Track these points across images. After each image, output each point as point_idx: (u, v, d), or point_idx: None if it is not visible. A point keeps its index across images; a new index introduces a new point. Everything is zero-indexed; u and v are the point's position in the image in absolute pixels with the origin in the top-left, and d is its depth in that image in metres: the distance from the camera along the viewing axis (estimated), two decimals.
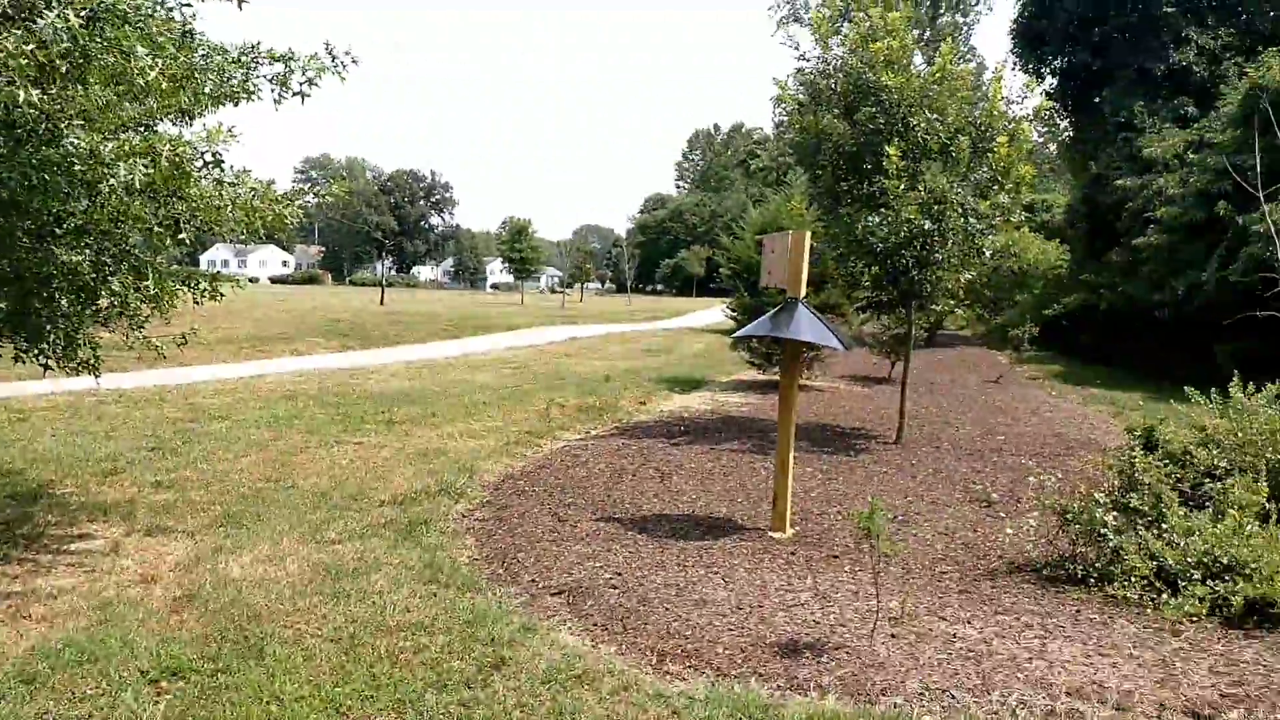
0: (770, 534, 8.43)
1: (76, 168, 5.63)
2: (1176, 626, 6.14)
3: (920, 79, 12.51)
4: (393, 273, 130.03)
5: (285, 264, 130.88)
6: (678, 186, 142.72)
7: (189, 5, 6.87)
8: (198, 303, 7.52)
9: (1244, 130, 19.74)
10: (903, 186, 11.91)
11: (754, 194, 72.94)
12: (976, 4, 61.27)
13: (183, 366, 18.79)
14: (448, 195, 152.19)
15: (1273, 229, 9.27)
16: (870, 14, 12.80)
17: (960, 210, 11.90)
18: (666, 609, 6.32)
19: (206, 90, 6.82)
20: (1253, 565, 6.35)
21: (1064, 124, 34.69)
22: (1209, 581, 6.43)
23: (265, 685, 4.98)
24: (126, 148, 5.59)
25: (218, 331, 25.28)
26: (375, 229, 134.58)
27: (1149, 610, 6.42)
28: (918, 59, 14.04)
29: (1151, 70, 28.22)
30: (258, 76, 7.10)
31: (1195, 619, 6.23)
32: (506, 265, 78.71)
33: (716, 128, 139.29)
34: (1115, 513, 7.16)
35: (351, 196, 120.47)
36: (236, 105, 7.20)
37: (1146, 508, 7.16)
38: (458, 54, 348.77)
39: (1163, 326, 23.26)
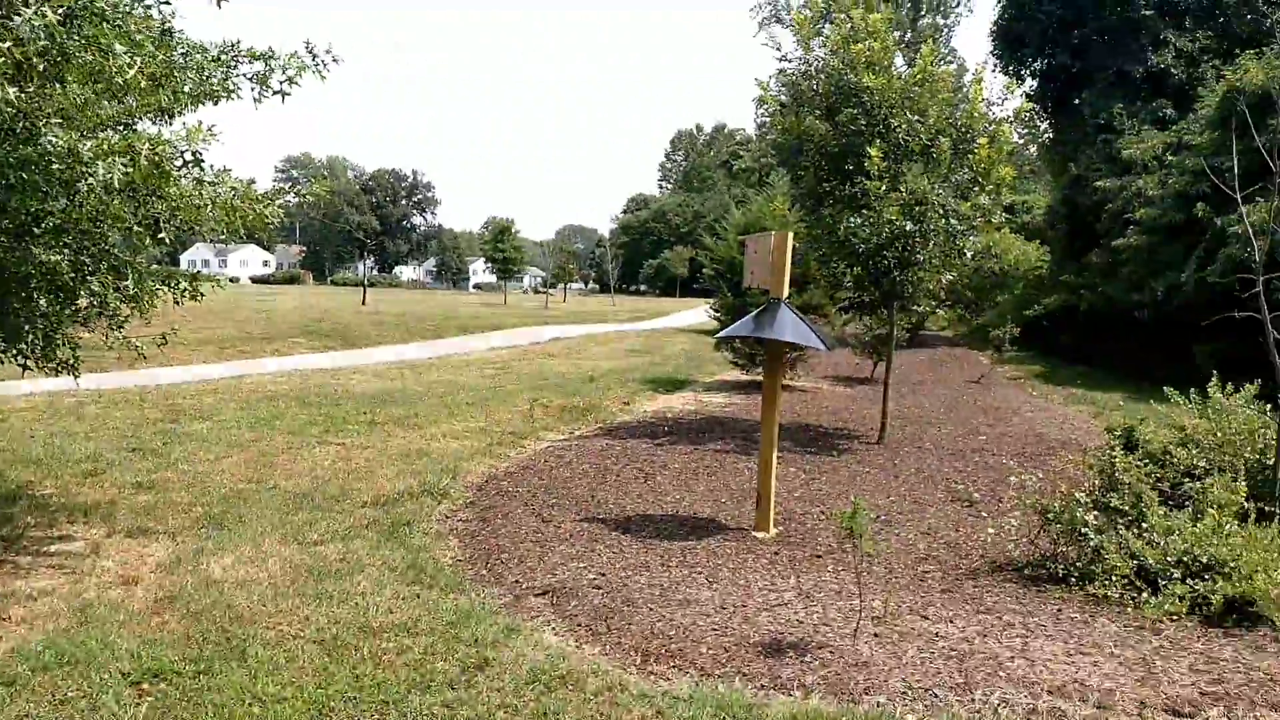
0: (754, 534, 8.45)
1: (55, 166, 5.58)
2: (1157, 625, 6.19)
3: (901, 80, 12.56)
4: (375, 273, 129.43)
5: (266, 264, 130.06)
6: (661, 187, 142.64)
7: (168, 3, 6.83)
8: (178, 303, 7.46)
9: (1222, 132, 19.93)
10: (884, 188, 11.96)
11: (737, 195, 72.97)
12: (957, 6, 61.57)
13: (163, 367, 18.66)
14: (430, 195, 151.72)
15: (1250, 230, 9.33)
16: (851, 15, 12.84)
17: (941, 211, 11.95)
18: (650, 609, 6.32)
19: (186, 89, 6.77)
20: (1232, 564, 6.40)
21: (1044, 125, 34.91)
22: (1189, 580, 6.48)
23: (247, 687, 4.95)
24: (105, 146, 5.54)
25: (198, 332, 25.13)
26: (357, 228, 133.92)
27: (1129, 609, 6.46)
28: (899, 60, 14.07)
29: (1130, 72, 28.44)
30: (238, 75, 7.06)
31: (1175, 617, 6.28)
32: (489, 265, 78.54)
33: (699, 128, 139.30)
34: (1096, 512, 7.20)
35: (333, 196, 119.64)
36: (216, 104, 7.16)
37: (1127, 507, 7.20)
38: (440, 53, 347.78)
39: (1142, 327, 23.43)
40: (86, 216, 6.36)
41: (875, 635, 5.89)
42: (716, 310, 22.74)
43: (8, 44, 5.05)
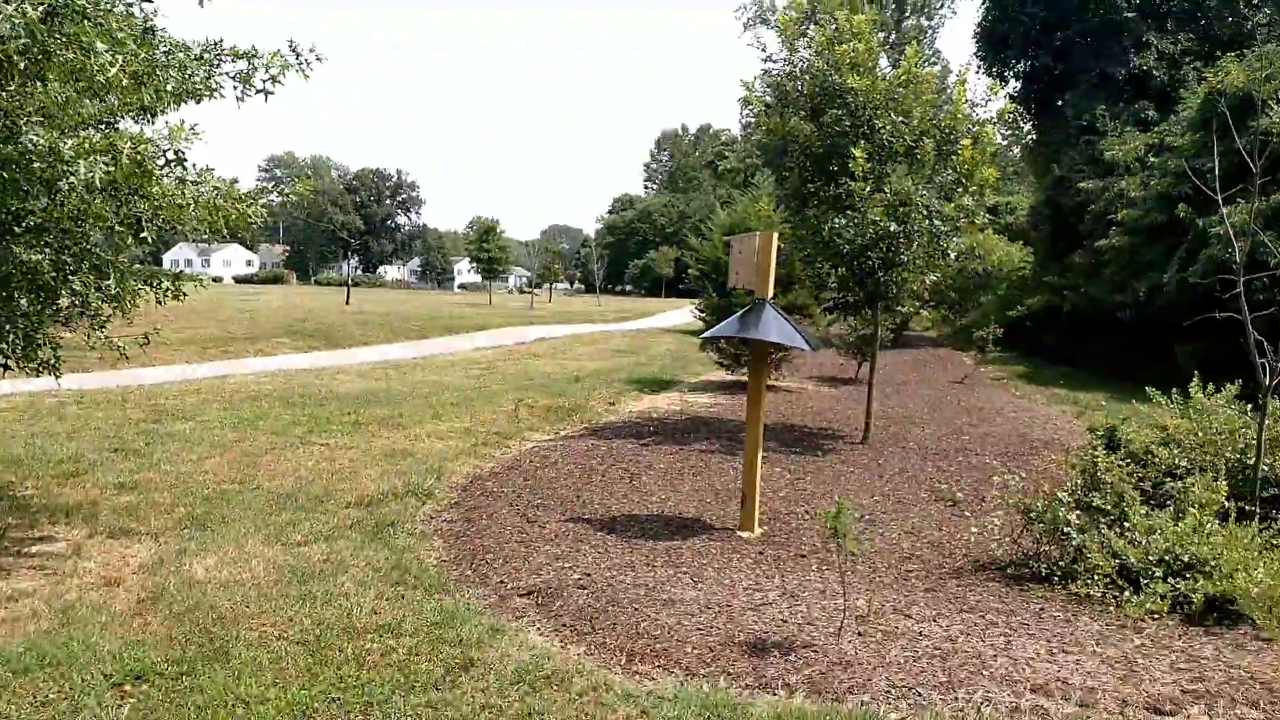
0: (739, 534, 8.46)
1: (35, 165, 5.55)
2: (1138, 624, 6.22)
3: (886, 82, 12.61)
4: (359, 272, 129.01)
5: (250, 263, 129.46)
6: (646, 187, 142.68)
7: (149, 1, 6.79)
8: (160, 302, 7.43)
9: (1203, 134, 20.07)
10: (869, 188, 12.00)
11: (722, 195, 73.04)
12: (941, 8, 61.79)
13: (145, 367, 18.54)
14: (414, 194, 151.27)
15: (1231, 231, 9.41)
16: (836, 17, 12.88)
17: (925, 212, 12.00)
18: (635, 609, 6.32)
19: (168, 88, 6.73)
20: (1213, 563, 6.45)
21: (1027, 127, 35.09)
22: (1170, 579, 6.52)
23: (231, 688, 4.93)
24: (87, 145, 5.51)
25: (181, 332, 24.99)
26: (341, 228, 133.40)
27: (1111, 608, 6.50)
28: (883, 62, 14.12)
29: (1113, 74, 28.62)
30: (220, 74, 7.03)
31: (1157, 616, 6.32)
32: (474, 265, 78.36)
33: (684, 129, 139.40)
34: (1078, 512, 7.25)
35: (316, 195, 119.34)
36: (199, 103, 7.13)
37: (1109, 507, 7.25)
38: (426, 53, 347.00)
39: (1125, 327, 23.57)
40: (68, 215, 6.33)
41: (859, 634, 5.91)
42: (702, 310, 22.77)
43: None
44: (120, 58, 5.70)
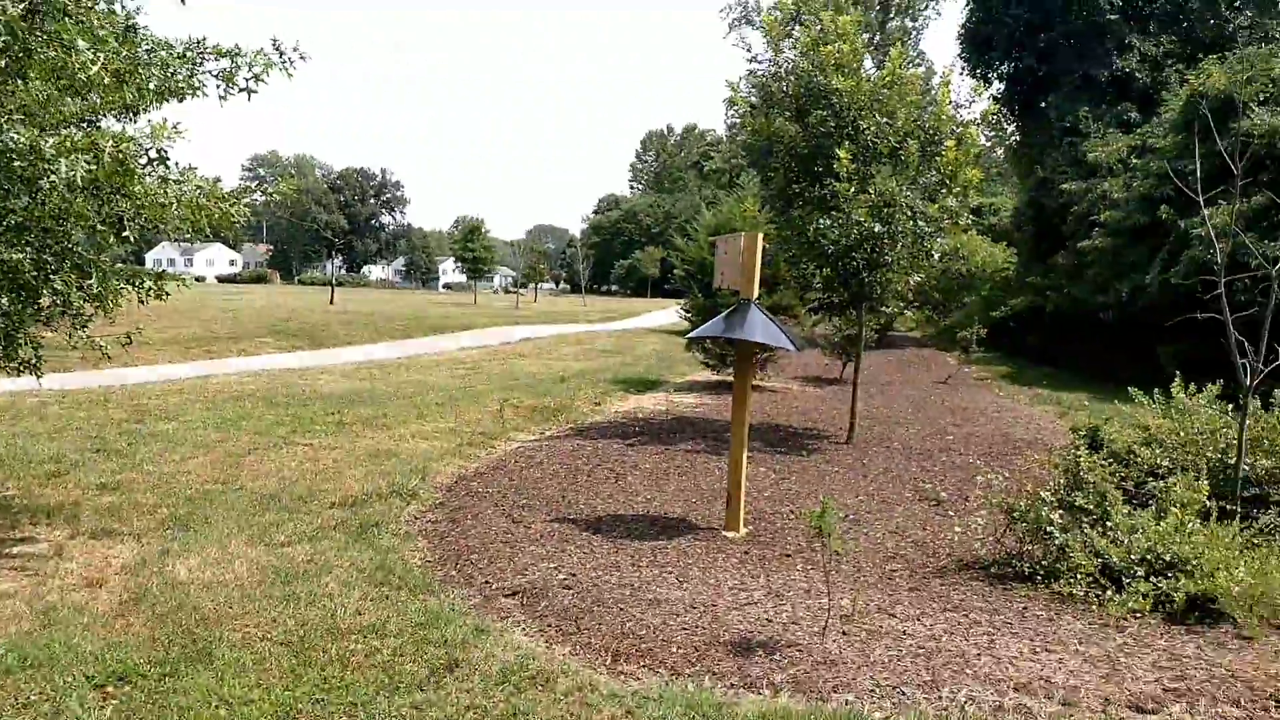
0: (724, 533, 8.47)
1: (16, 164, 5.51)
2: (1121, 622, 6.26)
3: (870, 83, 12.65)
4: (343, 272, 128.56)
5: (233, 263, 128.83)
6: (632, 187, 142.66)
7: None
8: (143, 302, 7.39)
9: (1185, 135, 20.22)
10: (853, 189, 12.03)
11: (707, 195, 73.15)
12: (925, 9, 61.96)
13: (128, 367, 18.42)
14: (399, 194, 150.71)
15: (1212, 233, 9.47)
16: (821, 18, 12.91)
17: (909, 213, 12.05)
18: (621, 609, 6.32)
19: (150, 86, 6.70)
20: (1194, 562, 6.49)
21: (1011, 128, 35.30)
22: (1152, 578, 6.56)
23: (214, 689, 4.90)
24: (68, 144, 5.48)
25: (164, 331, 24.85)
26: (325, 227, 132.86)
27: (1094, 606, 6.53)
28: (868, 63, 14.17)
29: (1096, 76, 28.79)
30: (203, 72, 6.99)
31: (1139, 615, 6.36)
32: (459, 265, 78.26)
33: (670, 129, 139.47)
34: (1061, 511, 7.28)
35: (300, 194, 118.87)
36: (181, 101, 7.09)
37: (1091, 506, 7.28)
38: (411, 52, 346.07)
39: (1107, 328, 23.71)
40: (49, 214, 6.29)
41: (844, 634, 5.93)
42: (687, 311, 22.78)
43: None
44: (102, 56, 5.67)
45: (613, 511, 9.23)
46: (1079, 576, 6.76)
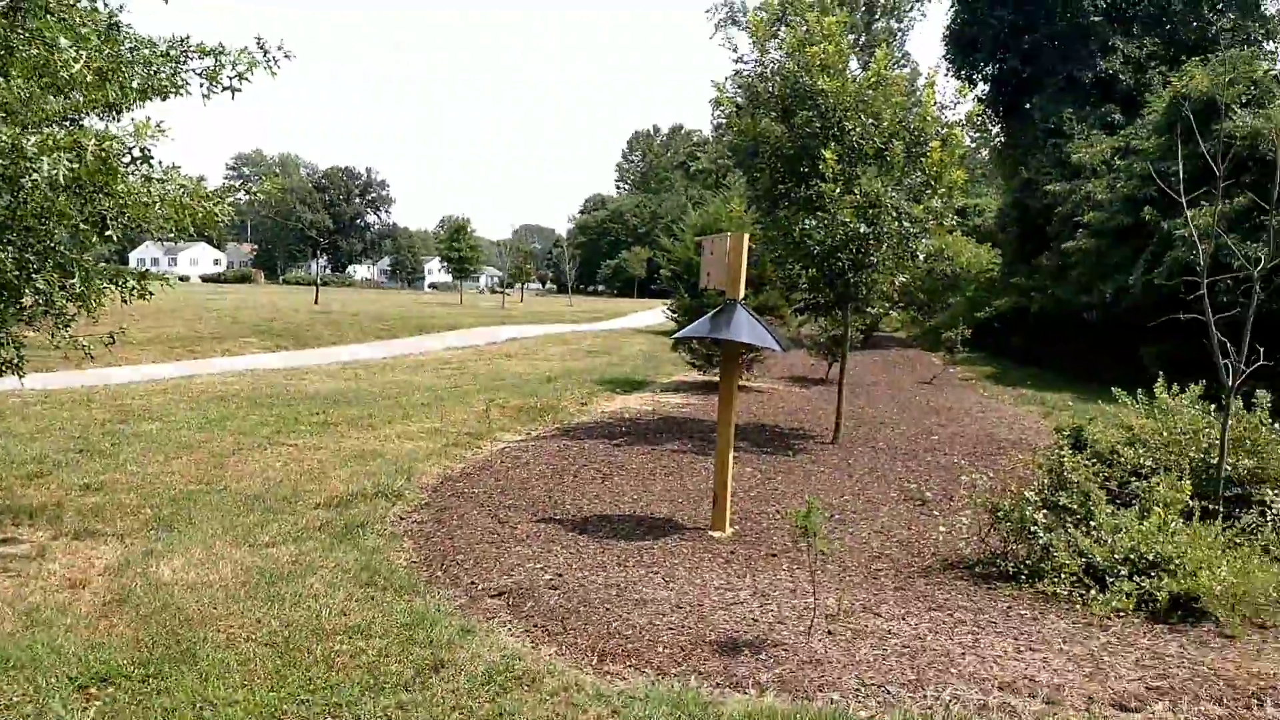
0: (710, 533, 8.48)
1: None
2: (1104, 621, 6.29)
3: (856, 84, 12.67)
4: (328, 271, 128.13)
5: (217, 262, 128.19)
6: (618, 187, 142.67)
7: None
8: (126, 301, 7.35)
9: (1168, 137, 20.35)
10: (839, 190, 12.06)
11: (694, 196, 73.18)
12: (910, 10, 62.08)
13: (111, 367, 18.32)
14: (384, 193, 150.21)
15: (1195, 234, 9.54)
16: (807, 18, 12.93)
17: (895, 214, 12.08)
18: (607, 609, 6.32)
19: (134, 84, 6.67)
20: (1177, 561, 6.53)
21: (995, 130, 35.41)
22: (1135, 577, 6.59)
23: (198, 690, 4.88)
24: (50, 142, 5.44)
25: (148, 331, 24.70)
26: (309, 227, 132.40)
27: (1078, 606, 6.57)
28: (853, 64, 14.19)
29: (1080, 78, 28.94)
30: (187, 71, 6.96)
31: (1122, 614, 6.39)
32: (445, 265, 78.07)
33: (656, 129, 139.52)
34: (1045, 511, 7.32)
35: (285, 194, 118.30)
36: (165, 100, 7.06)
37: (1075, 506, 7.32)
38: (397, 50, 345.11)
39: (1091, 329, 23.84)
40: (31, 213, 6.25)
41: (829, 633, 5.94)
42: (674, 311, 22.79)
43: None
44: (84, 53, 5.64)
45: (599, 512, 9.23)
46: (1063, 576, 6.79)
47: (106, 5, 6.93)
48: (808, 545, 6.21)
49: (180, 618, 5.90)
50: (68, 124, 6.69)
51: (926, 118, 12.70)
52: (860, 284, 12.85)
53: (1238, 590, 6.20)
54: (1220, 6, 28.93)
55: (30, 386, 12.39)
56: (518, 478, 10.56)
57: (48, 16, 5.58)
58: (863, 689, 5.12)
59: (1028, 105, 31.17)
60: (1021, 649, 5.73)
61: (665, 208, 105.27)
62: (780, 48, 13.37)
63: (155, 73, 6.81)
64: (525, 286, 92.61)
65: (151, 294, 7.46)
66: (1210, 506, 7.37)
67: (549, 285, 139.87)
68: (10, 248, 6.47)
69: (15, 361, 7.21)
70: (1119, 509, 7.38)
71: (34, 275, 6.68)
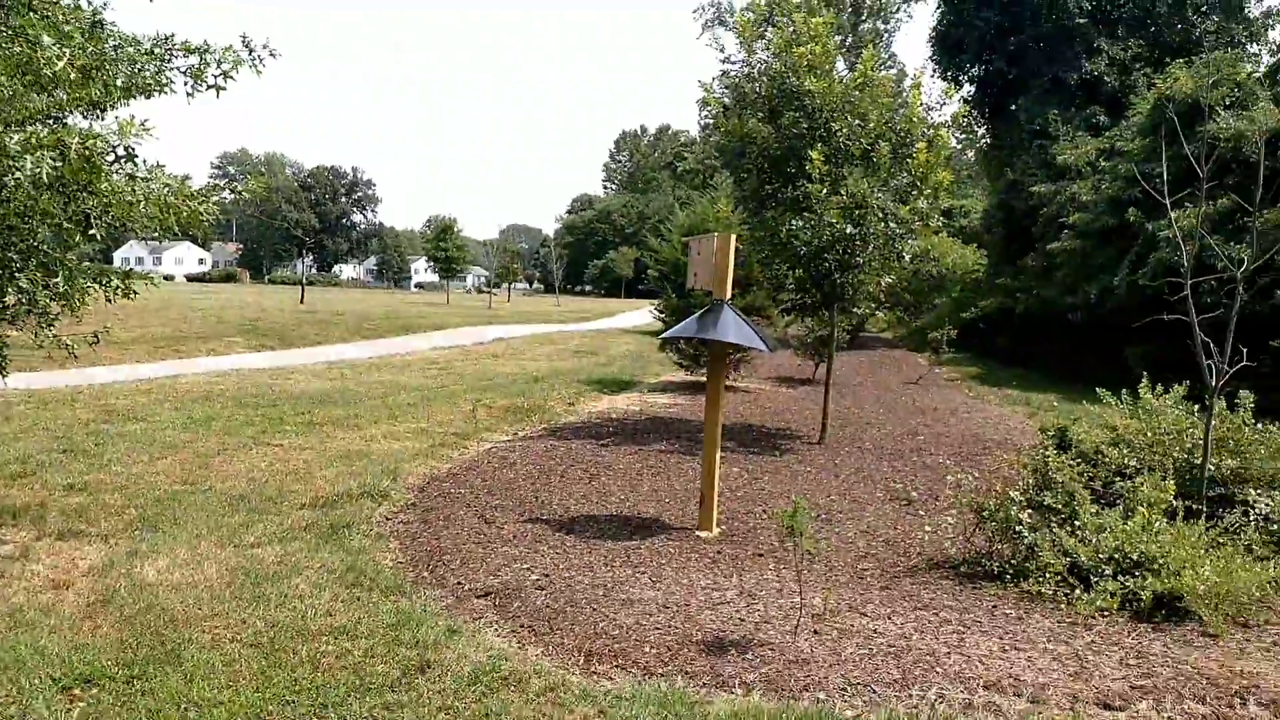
0: (697, 533, 8.49)
1: None
2: (1089, 621, 6.32)
3: (842, 84, 12.69)
4: (314, 271, 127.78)
5: (202, 261, 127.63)
6: (605, 187, 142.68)
7: None
8: (110, 301, 7.31)
9: (1152, 139, 20.47)
10: (825, 191, 12.08)
11: (681, 196, 73.25)
12: (897, 11, 62.26)
13: (95, 366, 18.22)
14: (370, 192, 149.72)
15: (1179, 235, 9.59)
16: (794, 19, 12.95)
17: (881, 215, 12.11)
18: (594, 609, 6.32)
19: (118, 82, 6.63)
20: (1161, 561, 6.56)
21: (981, 131, 35.57)
22: (1119, 577, 6.62)
23: (183, 691, 4.86)
24: (34, 140, 5.41)
25: (132, 331, 24.59)
26: (295, 226, 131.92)
27: (1063, 605, 6.59)
28: (840, 65, 14.22)
29: (1065, 79, 29.09)
30: (171, 69, 6.93)
31: (1106, 613, 6.42)
32: (431, 264, 77.84)
33: (643, 129, 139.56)
34: (1030, 511, 7.34)
35: (270, 193, 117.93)
36: (149, 98, 7.03)
37: (1060, 505, 7.35)
38: (384, 49, 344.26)
39: (1076, 329, 23.95)
40: (14, 212, 6.21)
41: (815, 632, 5.95)
42: (661, 311, 22.80)
43: None
44: (68, 51, 5.60)
45: (586, 512, 9.23)
46: (1047, 575, 6.82)
47: (90, 3, 6.90)
48: (794, 545, 6.22)
49: (165, 618, 5.87)
50: (51, 122, 6.65)
51: (913, 119, 12.74)
52: (847, 285, 12.88)
53: (1221, 590, 6.24)
54: (1204, 9, 29.13)
55: (13, 386, 12.32)
56: (504, 478, 10.55)
57: (31, 14, 5.55)
58: (849, 688, 5.13)
59: (1013, 106, 31.31)
60: (1006, 648, 5.76)
61: (652, 208, 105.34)
62: (767, 48, 13.38)
63: (139, 71, 6.77)
64: (512, 286, 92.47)
65: (136, 293, 7.43)
66: (1194, 506, 7.41)
67: (536, 285, 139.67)
68: None
69: None
70: (1103, 509, 7.41)
71: (17, 274, 6.65)
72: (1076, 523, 7.15)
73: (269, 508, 8.72)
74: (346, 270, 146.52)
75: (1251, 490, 7.62)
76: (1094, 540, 6.93)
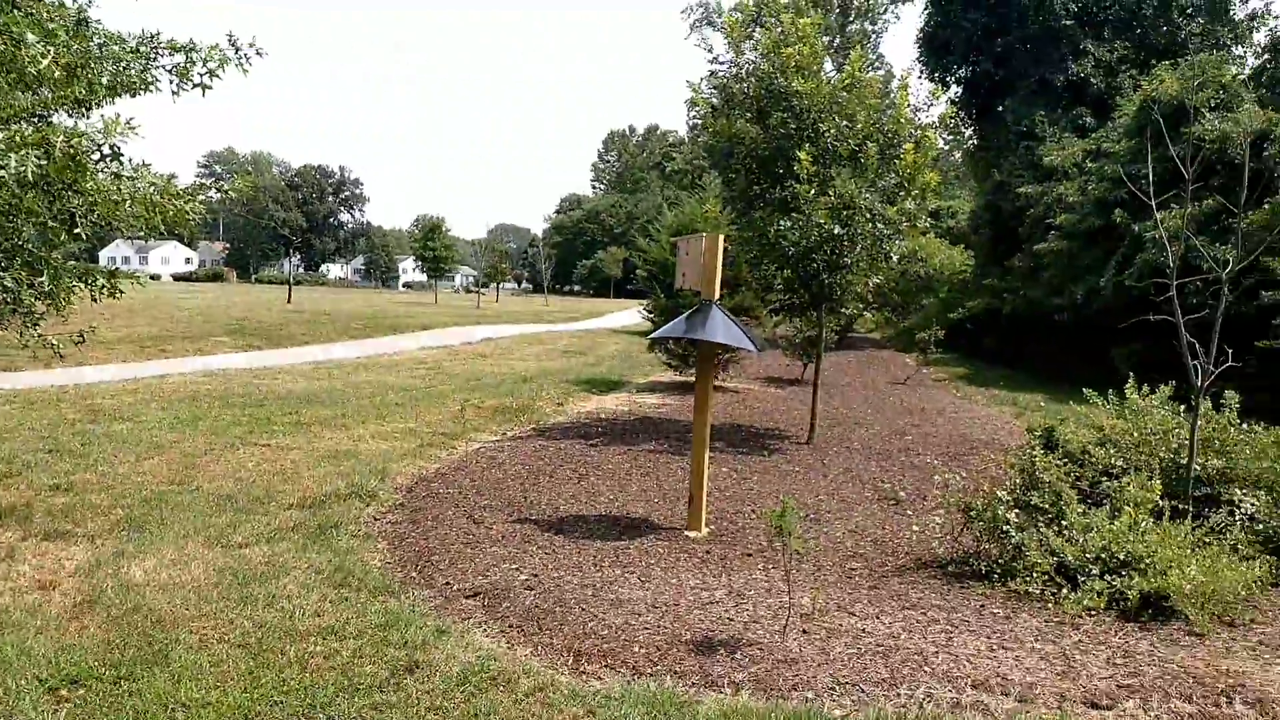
0: (686, 533, 8.49)
1: None
2: (1076, 620, 6.34)
3: (830, 85, 12.72)
4: (301, 270, 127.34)
5: (189, 261, 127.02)
6: (594, 187, 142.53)
7: None
8: (96, 300, 7.27)
9: (1138, 140, 20.57)
10: (813, 191, 12.09)
11: (670, 196, 73.28)
12: (884, 13, 62.47)
13: (81, 366, 18.12)
14: (358, 191, 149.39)
15: (1165, 236, 9.65)
16: (782, 19, 12.97)
17: (868, 215, 12.13)
18: (583, 609, 6.31)
19: (103, 80, 6.60)
20: (1147, 560, 6.59)
21: (968, 132, 35.67)
22: (1106, 576, 6.65)
23: (170, 692, 4.84)
24: (18, 139, 5.38)
25: (118, 330, 24.46)
26: (282, 225, 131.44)
27: (1050, 604, 6.61)
28: (828, 65, 14.26)
29: (1052, 81, 29.21)
30: (157, 67, 6.90)
31: (1093, 612, 6.44)
32: (419, 264, 77.62)
33: (632, 129, 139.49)
34: (1017, 510, 7.37)
35: (257, 192, 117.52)
36: (135, 96, 6.99)
37: (1047, 505, 7.38)
38: (372, 48, 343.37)
39: (1063, 330, 24.06)
40: None
41: (804, 632, 5.96)
42: (650, 311, 22.78)
43: None
44: (52, 49, 5.57)
45: (575, 512, 9.22)
46: (1035, 575, 6.85)
47: (75, 1, 6.86)
48: (783, 545, 6.22)
49: (152, 619, 5.84)
50: (36, 120, 6.61)
51: (900, 120, 12.77)
52: (835, 285, 12.90)
53: (1207, 589, 6.27)
54: (1189, 11, 29.29)
55: None
56: (493, 478, 10.53)
57: (15, 11, 5.51)
58: (837, 687, 5.14)
59: (1000, 108, 31.42)
60: (994, 647, 5.77)
61: (641, 208, 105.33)
62: (755, 49, 13.39)
63: (125, 69, 6.74)
64: (501, 286, 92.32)
65: (122, 292, 7.40)
66: (1180, 506, 7.45)
67: (525, 285, 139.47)
68: None
69: None
70: (1090, 508, 7.44)
71: (1, 273, 6.60)
72: (1063, 522, 7.19)
73: (256, 508, 8.69)
74: (334, 270, 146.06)
75: (1237, 490, 7.67)
76: (1081, 540, 6.96)
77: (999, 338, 29.27)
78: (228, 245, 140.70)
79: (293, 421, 13.39)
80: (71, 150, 5.54)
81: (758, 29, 13.73)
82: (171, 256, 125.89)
